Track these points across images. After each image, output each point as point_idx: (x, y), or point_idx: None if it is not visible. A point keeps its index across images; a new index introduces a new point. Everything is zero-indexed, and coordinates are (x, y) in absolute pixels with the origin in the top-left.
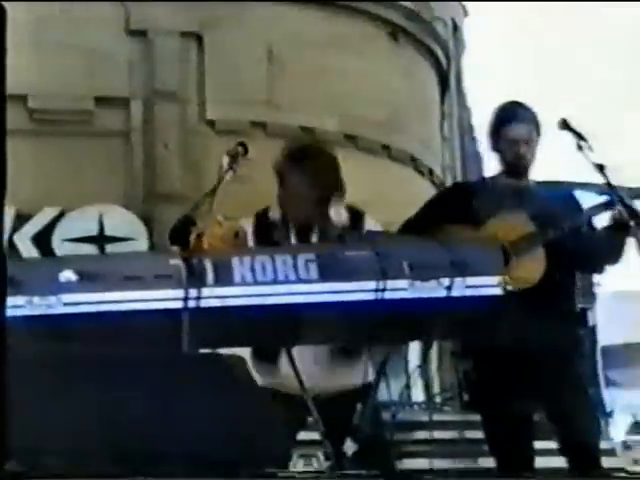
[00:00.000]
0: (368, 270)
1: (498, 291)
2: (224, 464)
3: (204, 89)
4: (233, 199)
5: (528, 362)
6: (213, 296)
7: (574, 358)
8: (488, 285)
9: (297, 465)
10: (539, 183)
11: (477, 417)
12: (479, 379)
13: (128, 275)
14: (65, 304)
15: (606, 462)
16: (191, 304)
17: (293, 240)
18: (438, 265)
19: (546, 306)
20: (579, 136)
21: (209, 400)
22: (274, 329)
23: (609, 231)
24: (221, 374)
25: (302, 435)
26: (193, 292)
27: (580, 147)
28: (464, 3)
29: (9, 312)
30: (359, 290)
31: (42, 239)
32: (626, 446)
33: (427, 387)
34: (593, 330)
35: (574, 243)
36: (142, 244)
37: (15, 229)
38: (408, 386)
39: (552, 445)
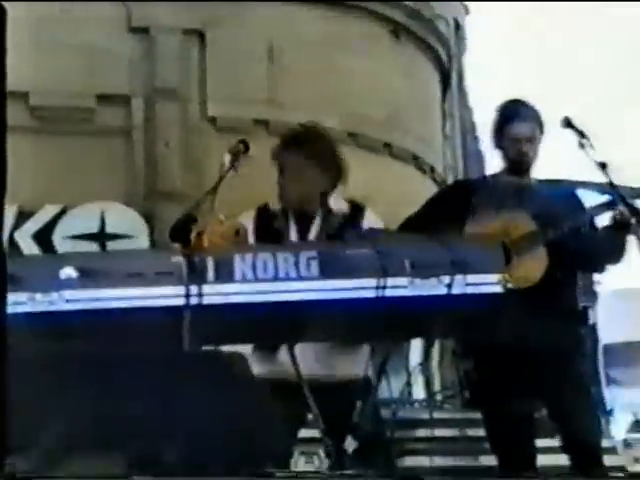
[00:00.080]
0: (369, 268)
1: (498, 289)
2: (224, 462)
3: (205, 87)
4: (234, 197)
5: (529, 360)
6: (214, 293)
7: (575, 356)
8: (488, 283)
9: (298, 462)
10: (541, 181)
11: (478, 415)
12: (480, 377)
13: (129, 272)
14: (67, 301)
15: (607, 460)
16: (192, 301)
17: (293, 229)
18: (439, 263)
19: (548, 304)
20: (581, 134)
21: (209, 397)
22: (275, 327)
23: (610, 230)
24: (222, 371)
25: (303, 432)
26: (194, 289)
27: (582, 145)
28: (466, 2)
29: (11, 309)
30: (360, 288)
31: (43, 236)
32: (627, 444)
33: (428, 385)
34: (594, 328)
35: (576, 242)
36: (143, 242)
37: (16, 226)
38: (409, 384)
39: (554, 443)
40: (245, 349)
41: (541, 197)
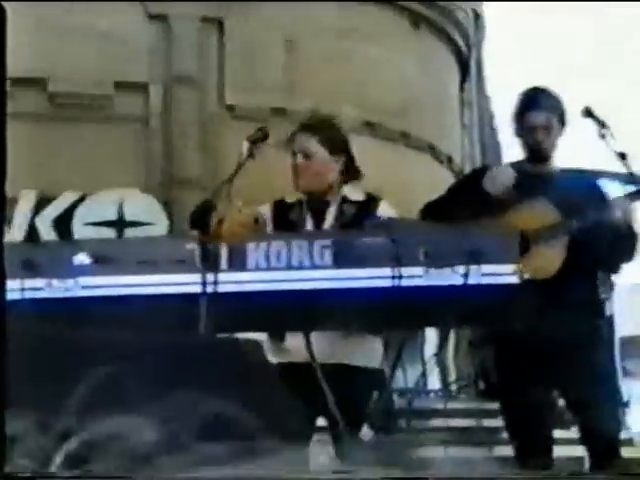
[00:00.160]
0: (383, 257)
1: (514, 279)
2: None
3: (223, 75)
4: (252, 185)
5: (546, 351)
6: (228, 281)
7: (593, 347)
8: (504, 273)
9: (312, 450)
10: (563, 170)
11: (493, 405)
12: (497, 367)
13: (144, 259)
14: (83, 287)
15: (624, 452)
16: (206, 289)
17: (309, 220)
18: (454, 253)
19: (566, 295)
20: (602, 124)
21: (225, 385)
22: (288, 315)
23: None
24: (237, 358)
25: (318, 421)
26: (208, 277)
27: (603, 135)
28: None
29: (28, 294)
30: (374, 277)
31: (62, 223)
32: None
33: (443, 375)
34: (611, 320)
35: (594, 238)
36: (162, 229)
37: (36, 212)
38: (424, 374)
39: (570, 434)
40: (261, 336)
41: (563, 186)
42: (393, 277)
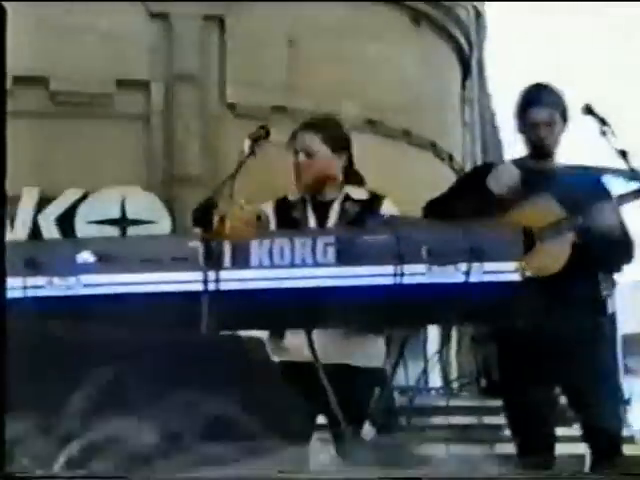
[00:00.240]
0: (386, 254)
1: (516, 277)
2: (241, 447)
3: (224, 73)
4: (253, 183)
5: (549, 348)
6: (230, 279)
7: (596, 344)
8: (506, 271)
9: (314, 448)
10: (566, 167)
11: (495, 403)
12: (498, 364)
13: (147, 257)
14: (85, 285)
15: (625, 449)
16: (209, 287)
17: (311, 218)
18: (456, 250)
19: (569, 292)
20: (602, 122)
21: (227, 382)
22: (291, 313)
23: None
24: (240, 356)
25: (320, 419)
26: (211, 275)
27: (603, 133)
28: None
29: (30, 292)
30: (377, 274)
31: (65, 221)
32: None
33: (445, 372)
34: (613, 318)
35: (599, 233)
36: (164, 227)
37: (39, 210)
38: (426, 371)
39: (572, 432)
40: (263, 334)
41: (566, 183)
42: (395, 275)
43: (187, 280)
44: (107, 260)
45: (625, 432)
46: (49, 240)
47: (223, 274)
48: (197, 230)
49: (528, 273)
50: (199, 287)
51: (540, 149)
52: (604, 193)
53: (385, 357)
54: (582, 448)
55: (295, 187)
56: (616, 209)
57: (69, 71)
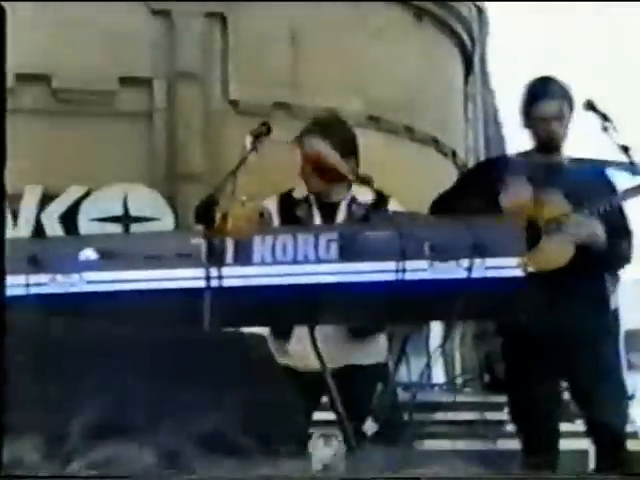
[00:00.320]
0: (388, 250)
1: (518, 272)
2: (241, 443)
3: (227, 70)
4: (255, 180)
5: (553, 343)
6: (233, 276)
7: (600, 340)
8: (508, 266)
9: (317, 445)
10: (573, 160)
11: (498, 398)
12: (503, 360)
13: (149, 254)
14: (88, 282)
15: (629, 445)
16: (211, 283)
17: (317, 216)
18: (458, 246)
19: (573, 287)
20: (604, 117)
21: (230, 379)
22: (293, 309)
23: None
24: (242, 353)
25: (322, 415)
26: (213, 271)
27: (605, 128)
28: None
29: (33, 290)
30: (379, 271)
31: (68, 218)
32: None
33: (448, 368)
34: (616, 313)
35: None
36: (167, 224)
37: (42, 208)
38: (429, 367)
39: (575, 428)
40: (265, 331)
41: (573, 177)
42: (398, 271)
43: (190, 277)
44: (110, 257)
45: (629, 428)
46: (52, 237)
47: (226, 271)
48: (199, 227)
49: (530, 268)
50: (202, 284)
51: (550, 142)
52: (610, 187)
53: (387, 353)
54: (585, 444)
55: (301, 185)
56: (621, 204)
57: (71, 69)
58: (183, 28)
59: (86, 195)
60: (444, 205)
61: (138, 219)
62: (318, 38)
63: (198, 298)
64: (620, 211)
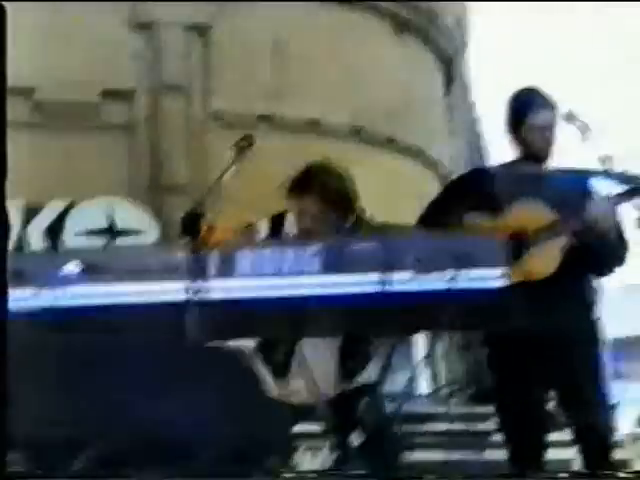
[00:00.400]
0: (372, 262)
1: (502, 283)
2: (226, 455)
3: (210, 82)
4: (239, 191)
5: (539, 351)
6: (217, 288)
7: (586, 348)
8: (492, 277)
9: (304, 457)
10: (558, 170)
11: (483, 409)
12: (489, 369)
13: (134, 268)
14: (71, 296)
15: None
16: (196, 296)
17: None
18: (443, 257)
19: (559, 296)
20: (584, 128)
21: (213, 391)
22: (278, 322)
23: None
24: (225, 366)
25: (309, 427)
26: (198, 284)
27: (585, 139)
28: None
29: (16, 304)
30: (363, 282)
31: (52, 232)
32: (633, 438)
33: (434, 379)
34: (598, 322)
35: (591, 236)
36: (151, 236)
37: (25, 222)
38: (414, 378)
39: (562, 437)
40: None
41: (559, 186)
42: (382, 282)
43: (174, 290)
44: (94, 271)
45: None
46: (36, 251)
47: (210, 283)
48: (184, 240)
49: (514, 279)
50: (186, 297)
51: (542, 152)
52: (596, 195)
53: (374, 371)
54: (570, 453)
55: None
56: (610, 210)
57: (54, 81)
58: (166, 40)
59: (69, 208)
60: (429, 218)
61: (122, 232)
62: (300, 50)
63: (182, 311)
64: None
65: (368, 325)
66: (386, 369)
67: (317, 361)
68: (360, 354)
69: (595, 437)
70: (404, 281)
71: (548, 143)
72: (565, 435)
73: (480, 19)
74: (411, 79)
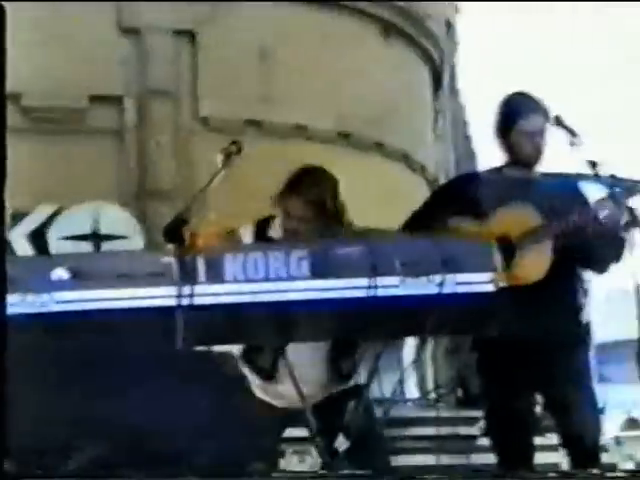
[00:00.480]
0: (360, 267)
1: (490, 287)
2: (211, 458)
3: (197, 87)
4: (226, 197)
5: (528, 356)
6: (205, 294)
7: (574, 352)
8: (480, 282)
9: (291, 461)
10: (546, 175)
11: (471, 413)
12: (478, 373)
13: (121, 273)
14: (58, 302)
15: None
16: (183, 302)
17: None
18: (430, 262)
19: (548, 301)
20: (571, 133)
21: (200, 396)
22: (265, 327)
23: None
24: (211, 371)
25: (295, 432)
26: (185, 290)
27: (573, 143)
28: (457, 2)
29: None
30: (351, 287)
31: (38, 237)
32: (618, 442)
33: (421, 383)
34: (587, 327)
35: (580, 239)
36: (138, 242)
37: (10, 227)
38: (401, 382)
39: (549, 441)
40: (236, 349)
41: (546, 191)
42: (370, 287)
43: (161, 295)
44: (81, 276)
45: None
46: (22, 257)
47: (197, 289)
48: (170, 246)
49: (502, 283)
50: (173, 302)
51: (532, 157)
52: (583, 199)
53: (362, 376)
54: (557, 457)
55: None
56: (601, 209)
57: (41, 87)
58: (153, 45)
59: (56, 213)
60: (417, 223)
61: (109, 237)
62: (288, 54)
63: (170, 317)
64: (597, 220)
65: (356, 330)
66: (373, 373)
67: (304, 365)
68: (348, 358)
69: (582, 441)
70: (391, 285)
71: (538, 149)
72: (552, 439)
73: (472, 21)
74: (399, 83)
